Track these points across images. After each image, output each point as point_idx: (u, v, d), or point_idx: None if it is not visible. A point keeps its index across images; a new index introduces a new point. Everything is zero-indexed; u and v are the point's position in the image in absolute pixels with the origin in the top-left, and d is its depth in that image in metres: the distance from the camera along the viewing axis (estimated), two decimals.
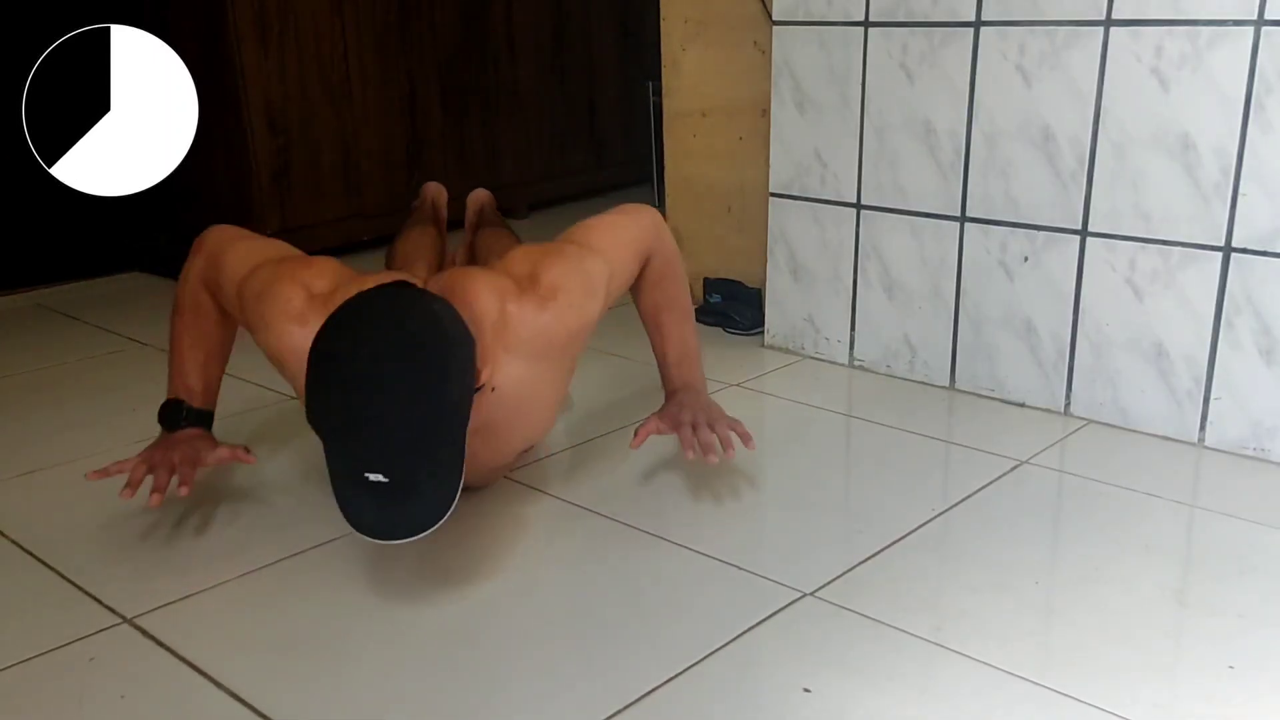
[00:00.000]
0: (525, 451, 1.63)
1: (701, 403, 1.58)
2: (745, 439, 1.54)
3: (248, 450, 1.53)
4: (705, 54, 2.40)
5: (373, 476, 1.15)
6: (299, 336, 1.31)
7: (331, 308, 1.27)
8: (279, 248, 1.50)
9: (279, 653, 1.25)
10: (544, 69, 3.71)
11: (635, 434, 1.55)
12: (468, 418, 1.23)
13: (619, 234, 1.53)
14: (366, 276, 1.40)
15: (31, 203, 2.83)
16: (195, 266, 1.52)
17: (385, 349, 1.17)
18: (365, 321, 1.21)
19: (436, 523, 1.19)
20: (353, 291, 1.29)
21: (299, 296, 1.36)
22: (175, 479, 1.45)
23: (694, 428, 1.52)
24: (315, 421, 1.20)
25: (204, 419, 1.55)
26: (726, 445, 1.50)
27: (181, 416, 1.53)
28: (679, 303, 1.62)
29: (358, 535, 1.19)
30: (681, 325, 1.63)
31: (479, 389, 1.26)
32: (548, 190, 3.77)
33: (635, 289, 1.60)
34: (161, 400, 1.55)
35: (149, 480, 1.45)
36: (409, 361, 1.17)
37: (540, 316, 1.37)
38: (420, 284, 1.38)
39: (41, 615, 1.33)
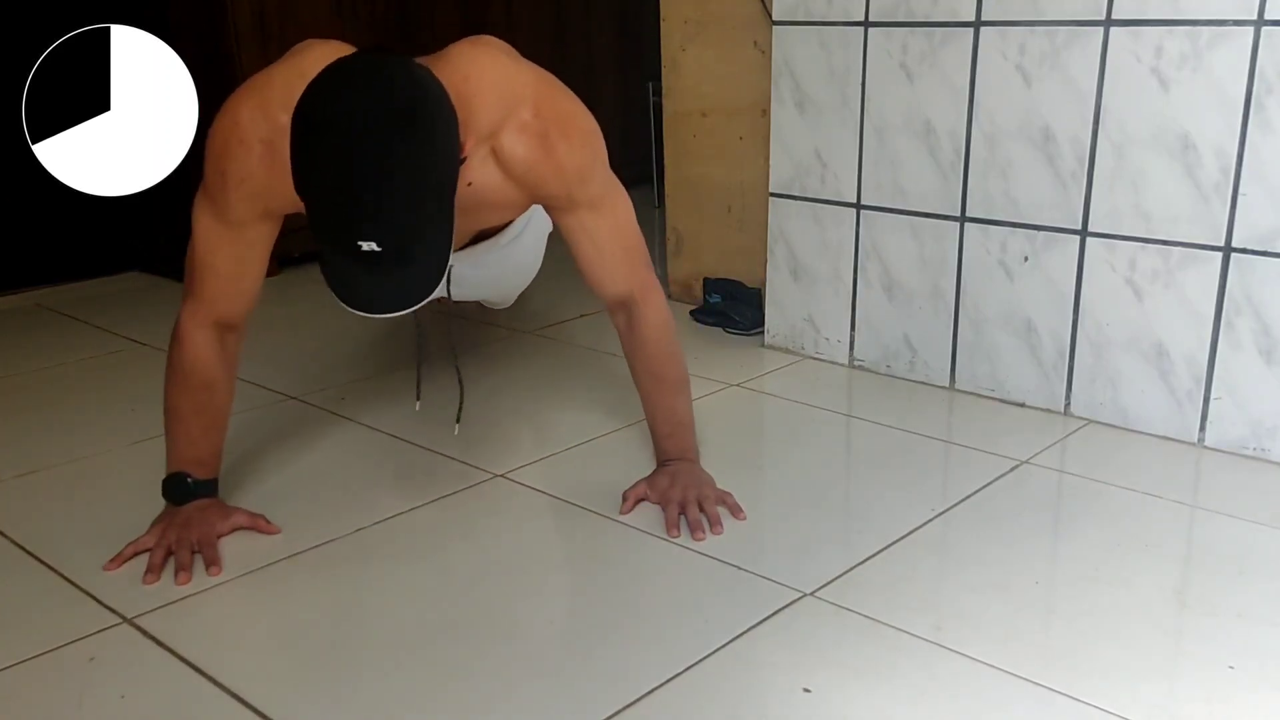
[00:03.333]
0: (491, 236, 1.62)
1: (694, 477, 1.56)
2: (735, 511, 1.53)
3: (267, 521, 1.51)
4: (705, 54, 2.40)
5: (365, 245, 1.12)
6: (256, 162, 1.29)
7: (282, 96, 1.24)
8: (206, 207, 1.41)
9: (279, 653, 1.25)
10: (543, 69, 3.71)
11: (624, 498, 1.56)
12: (455, 186, 1.20)
13: (635, 234, 1.52)
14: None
15: (31, 203, 2.83)
16: (183, 314, 1.45)
17: (375, 114, 1.14)
18: (352, 87, 1.16)
19: (427, 295, 1.17)
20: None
21: (261, 168, 1.30)
22: (200, 559, 1.42)
23: (683, 506, 1.51)
24: (304, 191, 1.16)
25: (211, 488, 1.51)
26: (715, 523, 1.49)
27: (188, 491, 1.48)
28: (673, 376, 1.58)
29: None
30: (675, 398, 1.59)
31: (462, 161, 1.23)
32: None
33: (628, 354, 1.57)
34: (158, 391, 1.53)
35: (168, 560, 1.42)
36: (400, 127, 1.14)
37: (534, 152, 1.34)
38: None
39: (41, 615, 1.33)
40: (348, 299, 1.17)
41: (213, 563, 1.41)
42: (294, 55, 1.35)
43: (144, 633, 1.29)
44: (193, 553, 1.43)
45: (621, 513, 1.55)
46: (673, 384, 1.59)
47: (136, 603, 1.34)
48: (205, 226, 1.40)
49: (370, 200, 1.13)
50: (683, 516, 1.50)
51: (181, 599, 1.36)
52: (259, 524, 1.51)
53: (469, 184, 1.31)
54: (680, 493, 1.53)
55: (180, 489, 1.49)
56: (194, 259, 1.43)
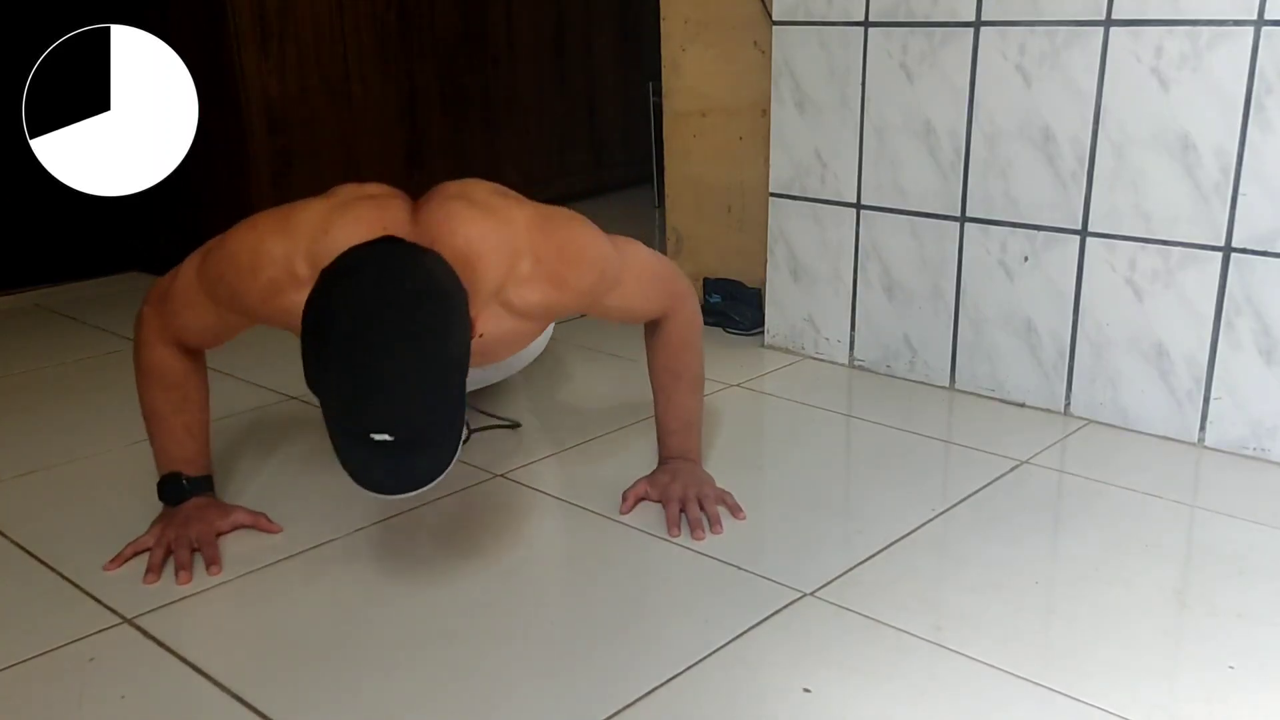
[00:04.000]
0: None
1: (695, 476, 1.57)
2: (734, 511, 1.54)
3: (269, 519, 1.52)
4: (705, 54, 2.40)
5: (378, 437, 1.15)
6: (291, 297, 1.28)
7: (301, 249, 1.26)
8: (198, 263, 1.42)
9: (279, 653, 1.25)
10: (544, 70, 3.71)
11: (624, 498, 1.56)
12: (466, 369, 1.21)
13: (654, 264, 1.51)
14: (328, 209, 1.33)
15: (31, 203, 2.83)
16: (145, 319, 1.46)
17: (384, 311, 1.16)
18: (361, 283, 1.18)
19: (440, 475, 1.18)
20: (327, 245, 1.24)
21: (269, 262, 1.30)
22: (200, 558, 1.43)
23: (683, 504, 1.51)
24: (315, 386, 1.18)
25: (206, 484, 1.52)
26: (715, 522, 1.49)
27: (184, 490, 1.49)
28: (690, 373, 1.59)
29: (359, 497, 1.18)
30: (689, 396, 1.60)
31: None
32: (548, 190, 3.76)
33: (649, 347, 1.58)
34: None
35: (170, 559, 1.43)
36: (410, 324, 1.16)
37: (547, 294, 1.35)
38: (407, 210, 1.33)
39: (41, 615, 1.33)
40: (362, 482, 1.18)
41: (213, 561, 1.42)
42: (328, 205, 1.34)
43: (144, 633, 1.29)
44: (192, 551, 1.43)
45: (621, 512, 1.55)
46: (689, 382, 1.59)
47: (136, 603, 1.34)
48: (191, 286, 1.40)
49: (381, 400, 1.14)
50: (683, 515, 1.50)
51: (181, 599, 1.36)
52: (260, 522, 1.51)
53: (480, 335, 1.33)
54: (681, 490, 1.53)
55: (175, 489, 1.49)
56: (171, 294, 1.43)
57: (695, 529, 1.47)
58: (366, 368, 1.14)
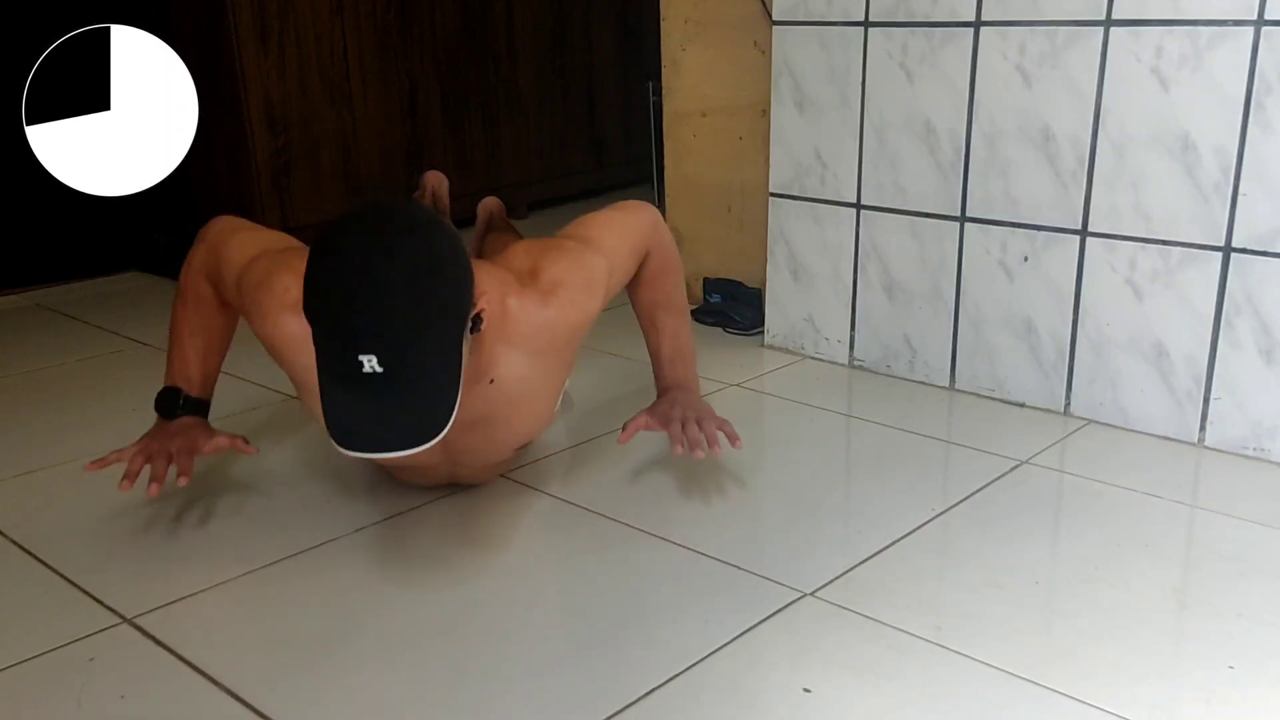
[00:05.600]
0: (523, 448, 1.63)
1: (693, 401, 1.59)
2: (732, 439, 1.54)
3: (246, 441, 1.52)
4: (705, 54, 2.40)
5: (365, 361, 1.11)
6: (295, 325, 1.30)
7: None
8: (280, 239, 1.49)
9: (279, 653, 1.25)
10: (544, 69, 3.71)
11: (624, 428, 1.56)
12: (465, 330, 1.20)
13: (618, 230, 1.53)
14: None
15: (31, 203, 2.83)
16: (197, 256, 1.53)
17: (384, 233, 1.16)
18: (366, 215, 1.20)
19: (432, 436, 1.13)
20: None
21: (296, 286, 1.33)
22: (174, 469, 1.44)
23: (683, 424, 1.52)
24: (310, 307, 1.17)
25: (200, 408, 1.55)
26: (713, 442, 1.50)
27: (178, 404, 1.52)
28: (674, 300, 1.62)
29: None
30: (677, 322, 1.63)
31: (477, 313, 1.23)
32: (548, 190, 3.77)
33: (631, 284, 1.60)
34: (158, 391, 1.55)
35: (147, 470, 1.44)
36: (412, 254, 1.15)
37: (542, 312, 1.36)
38: None
39: (41, 615, 1.33)
40: (345, 437, 1.14)
41: (184, 472, 1.44)
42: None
43: (144, 633, 1.29)
44: (168, 464, 1.44)
45: (619, 441, 1.55)
46: (679, 309, 1.62)
47: (136, 603, 1.34)
48: (245, 257, 1.44)
49: (370, 307, 1.13)
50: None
51: (182, 599, 1.36)
52: (238, 444, 1.52)
53: (491, 380, 1.34)
54: (680, 414, 1.54)
55: (171, 402, 1.52)
56: (226, 251, 1.48)
57: (694, 447, 1.48)
58: (358, 283, 1.13)
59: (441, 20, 3.34)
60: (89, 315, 2.66)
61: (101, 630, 1.29)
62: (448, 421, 1.15)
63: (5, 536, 1.53)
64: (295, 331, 1.31)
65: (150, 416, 1.54)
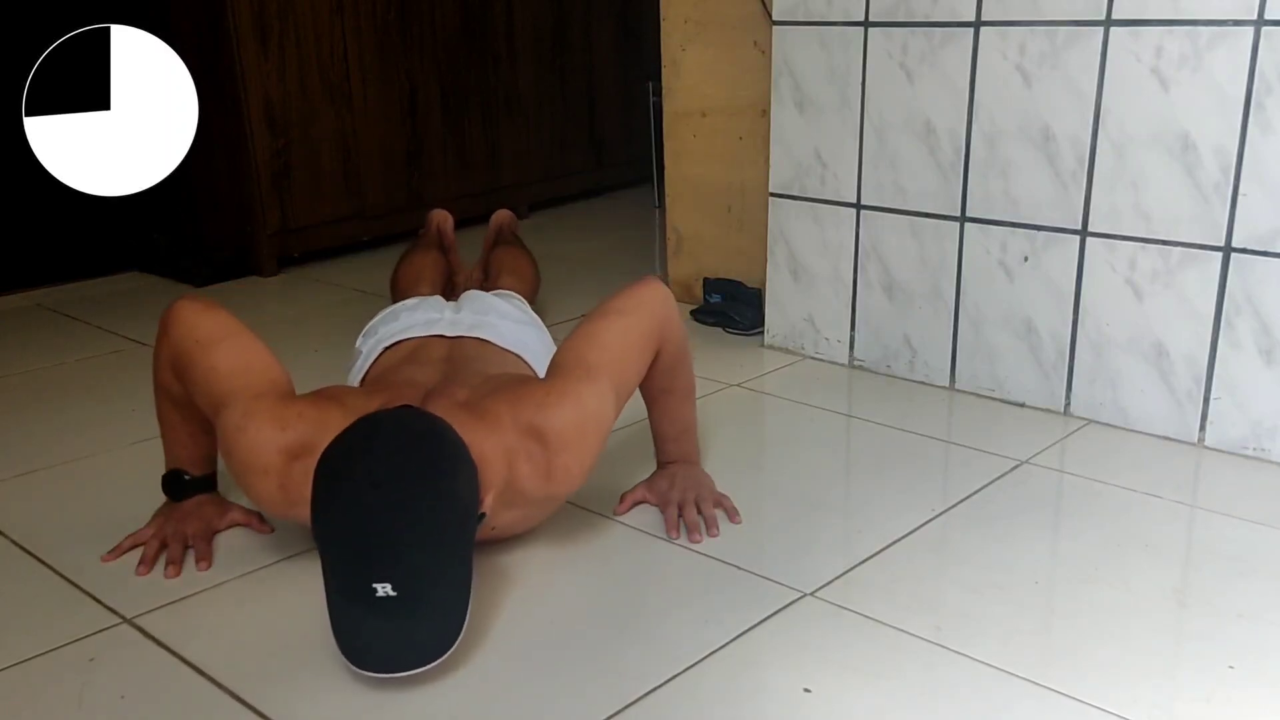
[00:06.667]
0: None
1: (693, 478, 1.57)
2: (731, 515, 1.54)
3: (262, 519, 1.52)
4: (705, 54, 2.40)
5: (380, 589, 1.11)
6: (274, 489, 1.29)
7: (303, 462, 1.25)
8: (251, 360, 1.38)
9: (279, 653, 1.25)
10: (544, 69, 3.71)
11: (621, 500, 1.57)
12: (474, 538, 1.21)
13: (629, 343, 1.44)
14: (350, 401, 1.34)
15: (31, 203, 2.83)
16: (163, 352, 1.44)
17: (397, 465, 1.16)
18: (375, 439, 1.19)
19: (446, 649, 1.15)
20: (334, 431, 1.23)
21: (279, 439, 1.28)
22: (191, 553, 1.45)
23: (681, 507, 1.52)
24: (322, 536, 1.17)
25: (208, 484, 1.53)
26: (711, 525, 1.49)
27: (185, 486, 1.51)
28: (682, 385, 1.57)
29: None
30: (682, 406, 1.59)
31: (482, 516, 1.25)
32: (548, 190, 3.77)
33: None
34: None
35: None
36: (420, 478, 1.16)
37: (547, 487, 1.33)
38: (419, 395, 1.37)
39: (41, 615, 1.33)
40: (355, 652, 1.14)
41: (202, 558, 1.44)
42: (350, 398, 1.37)
43: (144, 633, 1.29)
44: (185, 547, 1.45)
45: (616, 513, 1.55)
46: (685, 393, 1.58)
47: (136, 603, 1.34)
48: (215, 371, 1.37)
49: (385, 542, 1.12)
50: (681, 520, 1.51)
51: (181, 599, 1.36)
52: (253, 522, 1.52)
53: (493, 528, 1.35)
54: (679, 494, 1.54)
55: (177, 485, 1.51)
56: (195, 341, 1.40)
57: (692, 532, 1.48)
58: (372, 517, 1.13)
59: (441, 20, 3.34)
60: (89, 315, 2.66)
61: (101, 630, 1.29)
62: (459, 634, 1.16)
63: (5, 536, 1.53)
64: (273, 496, 1.29)
65: (150, 417, 1.54)
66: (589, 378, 1.36)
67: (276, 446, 1.28)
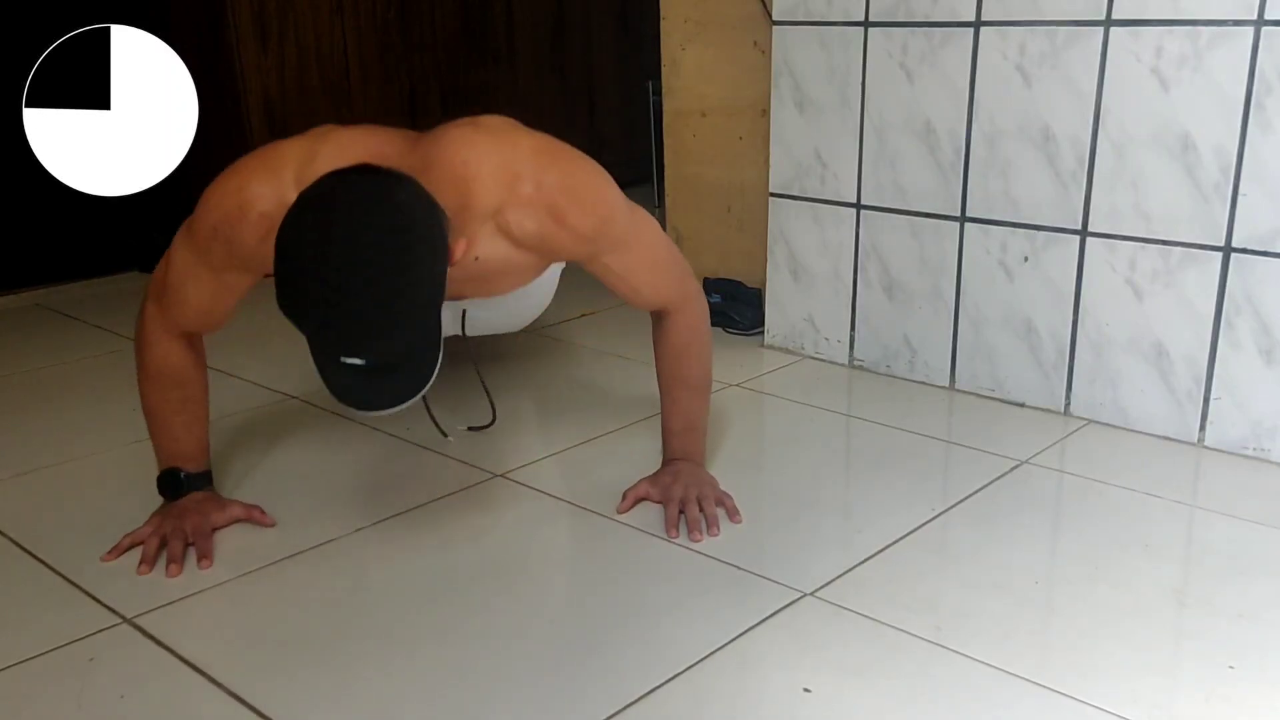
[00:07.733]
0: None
1: (696, 476, 1.56)
2: (732, 514, 1.54)
3: (263, 511, 1.53)
4: (705, 54, 2.40)
5: (350, 360, 1.15)
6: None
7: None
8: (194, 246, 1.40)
9: (279, 653, 1.25)
10: (544, 69, 3.71)
11: (624, 497, 1.56)
12: (441, 296, 1.20)
13: (667, 251, 1.50)
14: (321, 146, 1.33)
15: (31, 203, 2.83)
16: (147, 317, 1.46)
17: (354, 240, 1.14)
18: (331, 212, 1.16)
19: (415, 395, 1.19)
20: (313, 172, 1.23)
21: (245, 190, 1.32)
22: (192, 550, 1.44)
23: (683, 504, 1.51)
24: (287, 311, 1.17)
25: (204, 480, 1.53)
26: (712, 524, 1.49)
27: (181, 485, 1.50)
28: (697, 378, 1.58)
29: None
30: (694, 400, 1.59)
31: (452, 264, 1.23)
32: None
33: (657, 351, 1.56)
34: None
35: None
36: (379, 254, 1.14)
37: (544, 225, 1.33)
38: (400, 139, 1.34)
39: (41, 615, 1.33)
40: (340, 397, 1.19)
41: (204, 555, 1.43)
42: (311, 137, 1.35)
43: (144, 633, 1.29)
44: (186, 545, 1.44)
45: (619, 510, 1.55)
46: (693, 386, 1.58)
47: (136, 603, 1.34)
48: (184, 260, 1.40)
49: (348, 325, 1.14)
50: (682, 517, 1.50)
51: (181, 599, 1.36)
52: (254, 515, 1.52)
53: (475, 258, 1.32)
54: (681, 491, 1.53)
55: (173, 483, 1.50)
56: (168, 280, 1.43)
57: (693, 530, 1.48)
58: (333, 296, 1.13)
59: (441, 20, 3.34)
60: (89, 315, 2.66)
61: (101, 630, 1.29)
62: (428, 381, 1.20)
63: (5, 536, 1.53)
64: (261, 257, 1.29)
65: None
66: (629, 210, 1.44)
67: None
